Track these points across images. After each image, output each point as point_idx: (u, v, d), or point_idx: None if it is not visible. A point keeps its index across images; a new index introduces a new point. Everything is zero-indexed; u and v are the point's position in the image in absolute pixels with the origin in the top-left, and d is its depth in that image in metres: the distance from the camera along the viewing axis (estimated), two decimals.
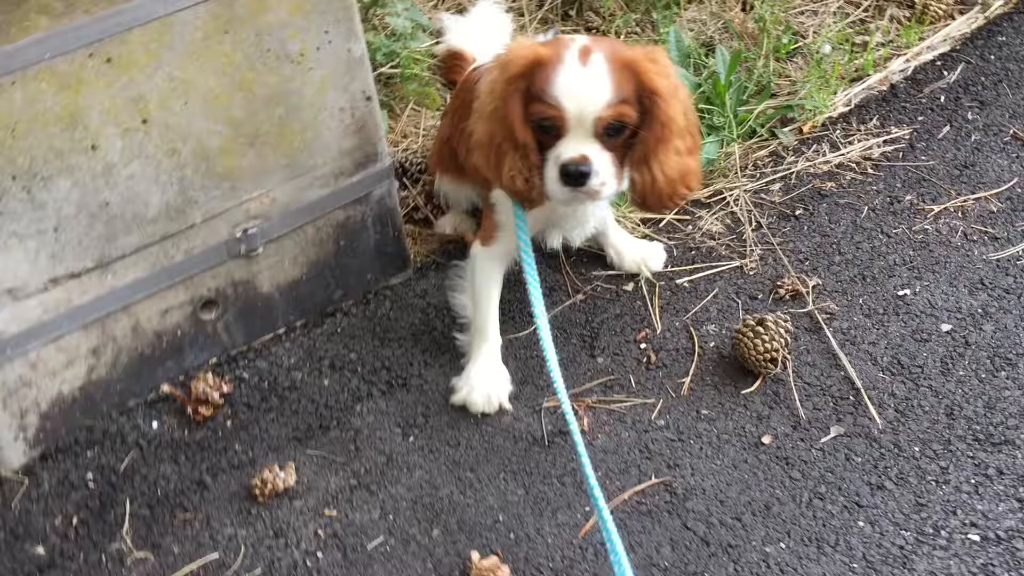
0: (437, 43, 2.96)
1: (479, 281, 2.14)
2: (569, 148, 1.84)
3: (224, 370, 2.22)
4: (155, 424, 2.13)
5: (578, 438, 1.77)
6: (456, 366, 2.22)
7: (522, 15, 3.18)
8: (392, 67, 2.89)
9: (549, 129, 1.85)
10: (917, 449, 2.03)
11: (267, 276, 2.20)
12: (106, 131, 1.84)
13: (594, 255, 2.47)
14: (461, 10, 3.08)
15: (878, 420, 2.08)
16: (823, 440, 2.06)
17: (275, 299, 2.24)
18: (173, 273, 2.05)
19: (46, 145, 1.78)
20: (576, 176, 1.84)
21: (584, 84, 1.80)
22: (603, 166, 1.85)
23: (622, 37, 3.08)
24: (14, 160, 1.76)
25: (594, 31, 3.16)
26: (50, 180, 1.81)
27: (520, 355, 2.26)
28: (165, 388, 2.15)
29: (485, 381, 2.13)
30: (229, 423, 2.14)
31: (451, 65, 2.77)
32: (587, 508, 1.97)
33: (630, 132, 1.87)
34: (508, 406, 2.14)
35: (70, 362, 2.01)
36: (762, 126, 2.81)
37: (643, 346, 2.27)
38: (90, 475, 2.04)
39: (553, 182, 1.87)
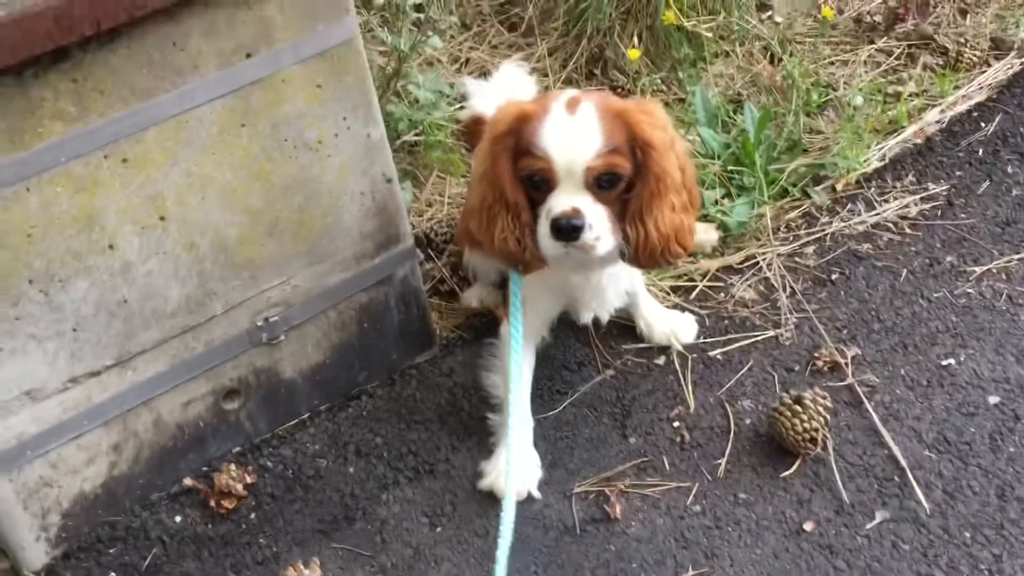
0: (461, 108, 2.93)
1: (509, 364, 2.08)
2: (560, 201, 1.77)
3: (247, 459, 2.18)
4: (178, 518, 2.09)
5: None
6: (484, 448, 2.17)
7: (546, 75, 3.15)
8: (415, 135, 2.87)
9: (539, 184, 1.79)
10: (968, 535, 1.93)
11: (289, 362, 2.16)
12: (123, 230, 1.82)
13: (624, 327, 2.40)
14: (484, 73, 3.06)
15: (925, 503, 1.98)
16: (868, 526, 1.96)
17: (298, 385, 2.20)
18: (194, 365, 2.02)
19: (63, 247, 1.76)
20: (568, 230, 1.76)
21: (572, 133, 1.74)
22: (596, 219, 1.77)
23: (647, 95, 3.03)
24: (31, 264, 1.74)
25: (619, 90, 3.11)
26: (67, 282, 1.79)
27: (550, 436, 2.20)
28: (188, 481, 2.11)
29: (514, 467, 2.06)
30: (253, 515, 2.09)
31: (475, 131, 2.74)
32: None
33: (625, 185, 1.80)
34: (537, 494, 2.07)
35: (91, 459, 1.98)
36: (794, 185, 2.74)
37: (676, 424, 2.20)
38: (113, 574, 2.01)
39: (545, 238, 1.79)
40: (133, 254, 1.85)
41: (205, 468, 2.15)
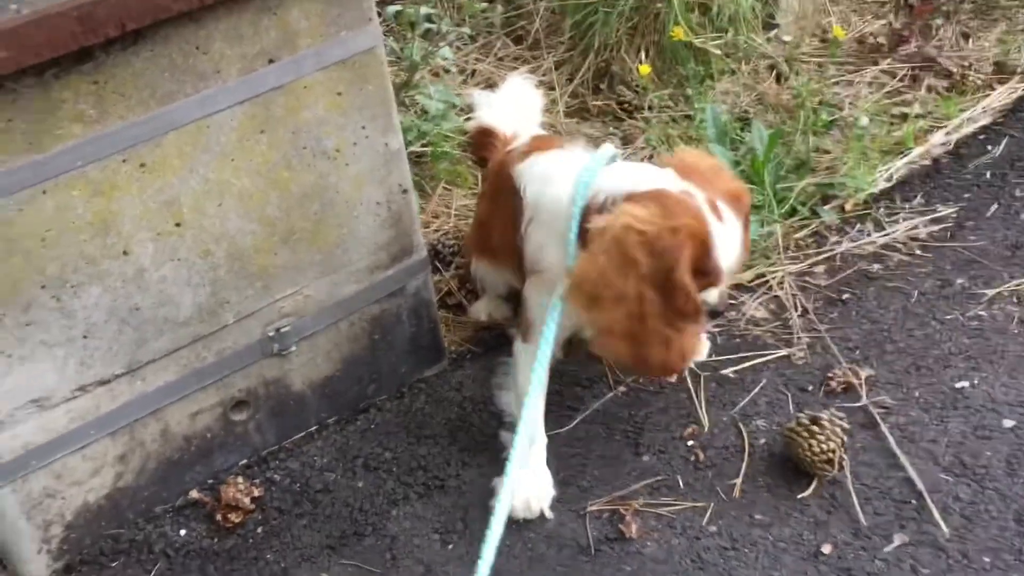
0: (468, 119, 2.91)
1: (523, 379, 2.05)
2: (713, 294, 1.89)
3: (255, 472, 2.14)
4: (183, 532, 2.04)
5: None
6: (496, 465, 2.13)
7: (552, 89, 3.14)
8: (423, 146, 2.84)
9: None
10: (987, 560, 1.91)
11: (300, 374, 2.12)
12: (138, 236, 1.78)
13: None
14: (491, 85, 3.04)
15: (944, 527, 1.97)
16: (886, 550, 1.94)
17: (307, 397, 2.16)
18: (204, 375, 1.98)
19: (77, 252, 1.72)
20: (720, 314, 1.96)
21: (735, 245, 1.85)
22: None
23: (655, 111, 3.03)
24: (43, 269, 1.70)
25: (626, 105, 3.11)
26: (80, 287, 1.75)
27: (562, 453, 2.17)
28: (194, 494, 2.07)
29: (526, 486, 2.03)
30: (260, 529, 2.05)
31: (482, 142, 2.71)
32: None
33: None
34: (549, 514, 2.04)
35: (96, 470, 1.93)
36: (803, 204, 2.74)
37: (690, 443, 2.18)
38: None
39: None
40: (147, 260, 1.81)
41: (211, 481, 2.10)
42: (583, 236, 1.85)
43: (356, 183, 1.99)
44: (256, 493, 2.07)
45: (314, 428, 2.22)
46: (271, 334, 2.02)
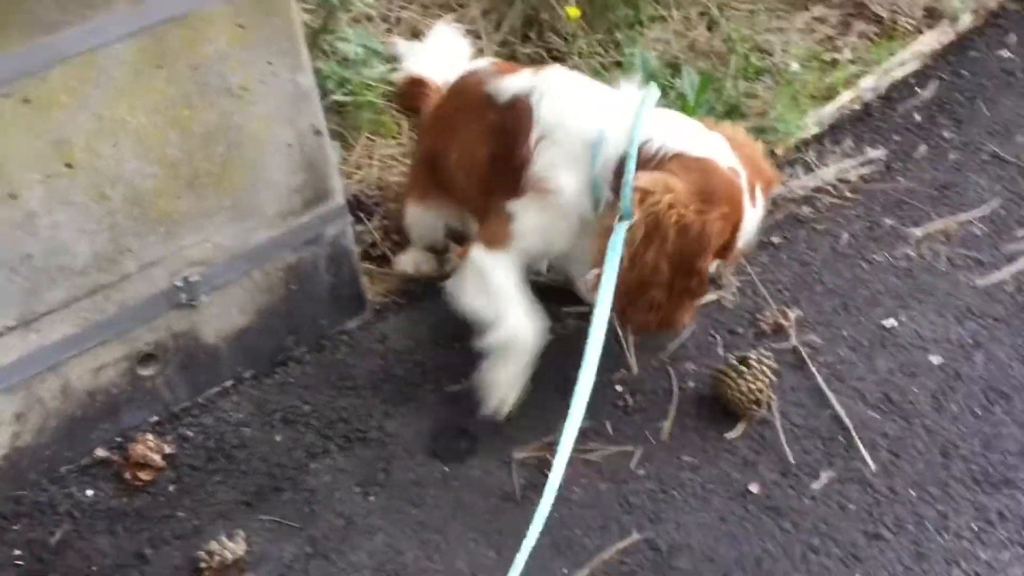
0: (393, 70, 2.82)
1: (498, 280, 1.96)
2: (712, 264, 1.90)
3: (166, 429, 2.05)
4: (90, 492, 1.95)
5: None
6: (423, 413, 2.08)
7: (479, 38, 3.04)
8: (345, 95, 2.74)
9: None
10: (914, 494, 1.91)
11: (212, 326, 2.03)
12: (26, 178, 1.67)
13: (561, 290, 2.33)
14: (416, 34, 2.95)
15: (871, 463, 1.96)
16: (814, 487, 1.93)
17: (221, 350, 2.07)
18: (106, 328, 1.88)
19: None
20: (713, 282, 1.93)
21: (755, 226, 1.90)
22: None
23: (584, 58, 2.96)
24: None
25: (555, 52, 3.03)
26: None
27: None
28: (100, 452, 1.97)
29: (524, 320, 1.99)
30: (172, 487, 1.96)
31: (413, 92, 2.63)
32: (564, 570, 1.82)
33: None
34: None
35: None
36: None
37: (619, 388, 2.14)
38: (18, 551, 1.86)
39: None
40: (37, 204, 1.70)
41: (120, 439, 2.01)
42: (619, 179, 1.82)
43: (264, 123, 1.90)
44: (168, 450, 1.99)
45: (229, 383, 2.13)
46: (178, 284, 1.93)
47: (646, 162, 1.81)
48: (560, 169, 1.90)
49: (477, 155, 2.04)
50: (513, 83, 2.01)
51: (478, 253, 1.99)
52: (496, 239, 1.98)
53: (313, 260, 2.11)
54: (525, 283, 2.00)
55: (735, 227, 1.81)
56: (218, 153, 1.87)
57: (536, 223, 1.94)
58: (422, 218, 2.31)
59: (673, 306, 1.88)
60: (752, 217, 1.85)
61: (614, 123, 1.86)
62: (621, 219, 1.78)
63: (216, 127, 1.84)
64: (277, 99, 1.89)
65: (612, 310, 1.80)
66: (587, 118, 1.89)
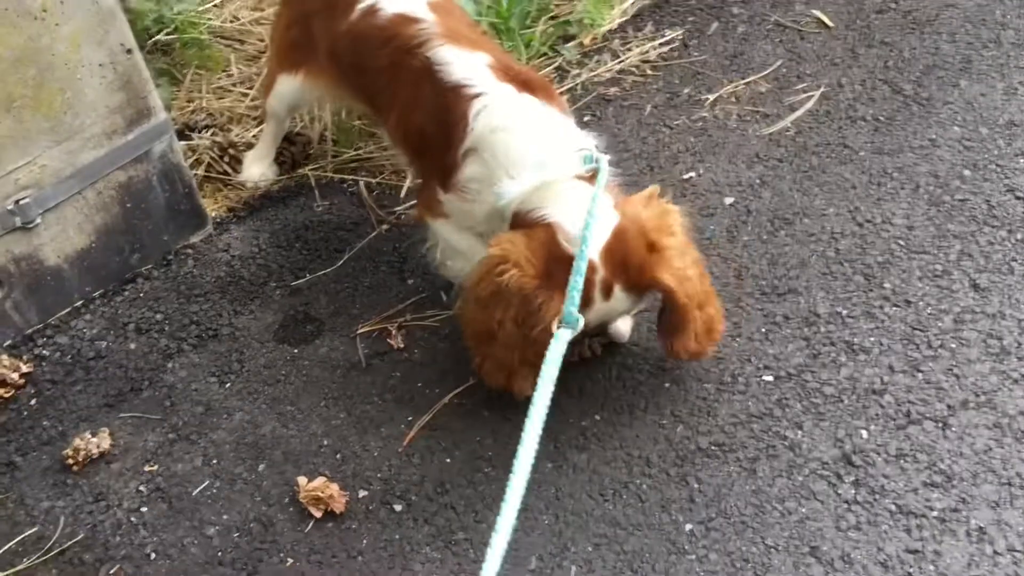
0: (213, 5, 2.91)
1: (455, 241, 2.05)
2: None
3: (21, 351, 2.14)
4: None
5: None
6: (269, 308, 2.21)
7: None
8: (168, 34, 2.83)
9: None
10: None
11: (52, 248, 2.13)
12: None
13: (396, 187, 2.49)
14: None
15: None
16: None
17: (65, 271, 2.17)
18: None
19: None
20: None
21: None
22: None
23: None
24: None
25: None
26: None
27: (330, 290, 2.27)
28: None
29: None
30: (33, 401, 2.06)
31: None
32: (409, 418, 2.00)
33: None
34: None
35: None
36: (546, 45, 2.89)
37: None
38: None
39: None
40: None
41: None
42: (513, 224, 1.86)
43: (72, 44, 1.99)
44: (25, 369, 2.08)
45: (79, 303, 2.23)
46: (10, 207, 2.02)
47: (522, 222, 1.83)
48: (481, 185, 1.90)
49: (411, 120, 2.02)
50: (460, 68, 1.93)
51: (432, 224, 2.06)
52: (434, 211, 2.05)
53: (145, 177, 2.22)
54: None
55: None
56: (30, 76, 1.95)
57: (461, 214, 2.00)
58: (296, 91, 2.29)
59: (517, 371, 1.88)
60: (601, 308, 1.82)
61: (529, 181, 1.81)
62: (561, 325, 1.71)
63: (24, 50, 1.93)
64: (80, 20, 1.98)
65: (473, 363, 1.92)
66: (512, 161, 1.84)
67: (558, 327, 1.71)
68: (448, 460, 1.92)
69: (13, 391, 2.05)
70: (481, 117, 1.89)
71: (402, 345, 2.13)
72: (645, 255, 1.81)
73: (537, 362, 1.66)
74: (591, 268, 1.76)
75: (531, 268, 1.76)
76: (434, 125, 1.98)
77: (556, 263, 1.76)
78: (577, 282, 1.71)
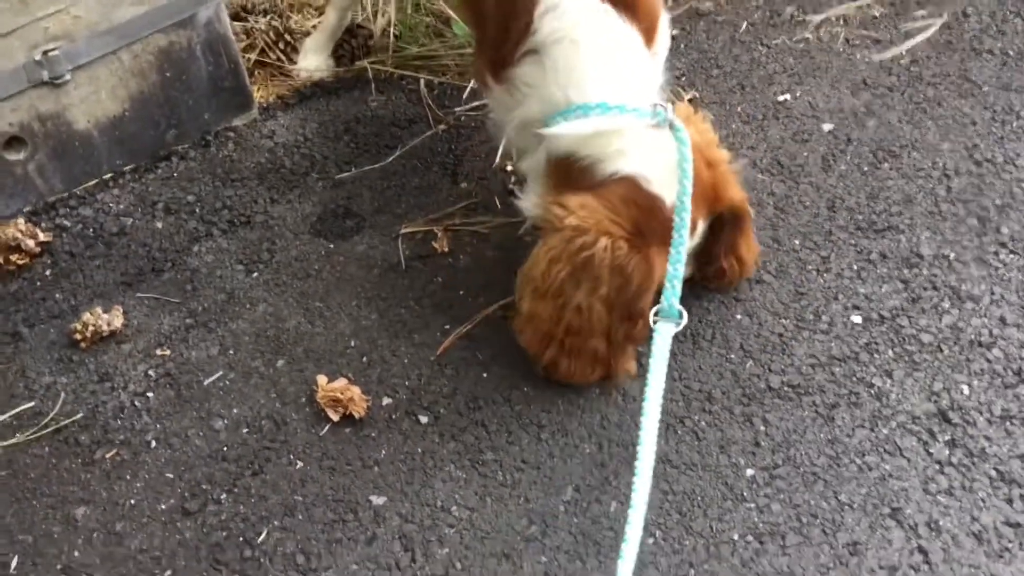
0: None
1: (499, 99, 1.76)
2: None
3: (41, 219, 2.00)
4: None
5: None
6: (304, 201, 2.03)
7: None
8: None
9: None
10: (797, 242, 1.90)
11: (81, 110, 1.97)
12: None
13: (458, 87, 2.28)
14: None
15: (755, 217, 1.94)
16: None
17: (95, 139, 2.01)
18: None
19: None
20: None
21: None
22: None
23: None
24: None
25: None
26: None
27: (376, 186, 2.07)
28: None
29: None
30: (48, 272, 1.92)
31: None
32: (447, 326, 1.80)
33: None
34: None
35: None
36: None
37: (509, 169, 2.10)
38: None
39: None
40: None
41: None
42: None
43: None
44: (43, 237, 1.93)
45: (108, 176, 2.07)
46: (37, 58, 1.86)
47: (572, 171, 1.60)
48: (531, 91, 1.66)
49: None
50: None
51: (490, 93, 1.78)
52: (481, 80, 1.81)
53: (187, 45, 2.04)
54: None
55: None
56: None
57: (501, 107, 1.77)
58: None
59: (614, 354, 1.65)
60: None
61: (590, 125, 1.56)
62: (660, 314, 1.54)
63: None
64: None
65: (539, 365, 1.67)
66: (572, 82, 1.60)
67: (655, 321, 1.51)
68: (485, 375, 1.72)
69: (28, 259, 1.91)
70: (547, 19, 1.61)
71: (447, 249, 1.93)
72: (709, 178, 1.62)
73: (639, 337, 1.53)
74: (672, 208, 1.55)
75: (622, 232, 1.52)
76: (496, 6, 1.72)
77: (647, 219, 1.53)
78: (677, 271, 1.50)
